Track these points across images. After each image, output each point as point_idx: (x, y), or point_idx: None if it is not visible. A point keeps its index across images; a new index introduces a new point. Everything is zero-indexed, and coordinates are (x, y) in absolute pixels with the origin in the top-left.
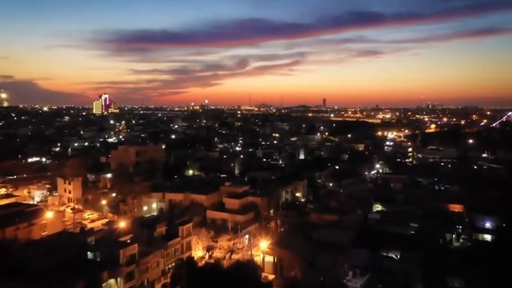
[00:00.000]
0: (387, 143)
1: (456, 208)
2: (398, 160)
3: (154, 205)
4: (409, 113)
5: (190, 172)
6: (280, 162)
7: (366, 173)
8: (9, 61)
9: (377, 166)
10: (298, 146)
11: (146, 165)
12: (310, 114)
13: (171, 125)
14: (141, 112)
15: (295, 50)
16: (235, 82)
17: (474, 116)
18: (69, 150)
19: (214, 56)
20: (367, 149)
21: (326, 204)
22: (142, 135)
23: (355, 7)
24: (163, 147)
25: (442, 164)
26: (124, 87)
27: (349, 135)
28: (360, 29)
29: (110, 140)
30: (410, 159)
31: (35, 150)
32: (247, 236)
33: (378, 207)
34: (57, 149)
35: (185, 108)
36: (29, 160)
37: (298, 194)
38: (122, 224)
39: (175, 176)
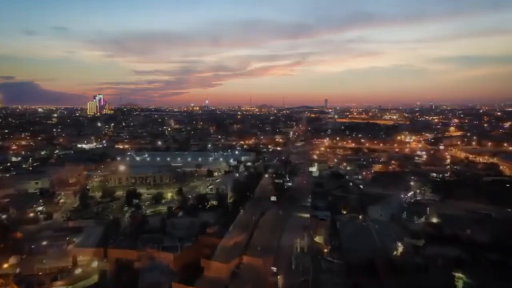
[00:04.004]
0: (418, 152)
1: None
2: (435, 175)
3: (95, 264)
4: (417, 114)
5: (169, 195)
6: (287, 178)
7: (402, 195)
8: (10, 62)
9: (411, 183)
10: (308, 157)
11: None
12: (312, 115)
13: (164, 127)
14: (135, 113)
15: (296, 50)
16: (236, 82)
17: (485, 117)
18: (30, 161)
19: (215, 57)
20: (390, 159)
21: (360, 259)
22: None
23: (356, 8)
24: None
25: (507, 185)
26: (126, 87)
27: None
28: (361, 30)
29: (85, 146)
30: (449, 174)
31: None
32: None
33: (461, 278)
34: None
35: (185, 109)
36: None
37: (317, 239)
38: None
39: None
